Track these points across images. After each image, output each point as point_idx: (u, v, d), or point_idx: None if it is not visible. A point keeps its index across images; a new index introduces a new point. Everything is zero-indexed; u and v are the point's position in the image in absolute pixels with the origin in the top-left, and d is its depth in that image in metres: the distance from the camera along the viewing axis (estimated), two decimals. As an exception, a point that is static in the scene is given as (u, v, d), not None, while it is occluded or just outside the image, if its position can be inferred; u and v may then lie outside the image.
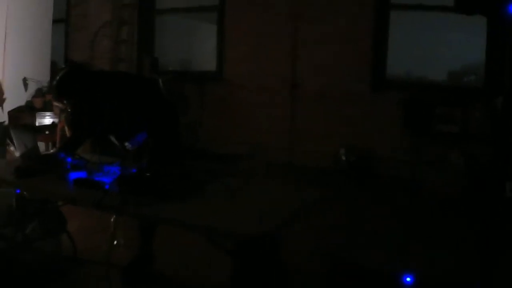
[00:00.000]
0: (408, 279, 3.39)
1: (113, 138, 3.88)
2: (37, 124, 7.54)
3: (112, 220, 4.16)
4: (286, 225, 2.96)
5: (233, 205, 3.05)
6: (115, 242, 4.27)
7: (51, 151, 4.92)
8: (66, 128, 4.35)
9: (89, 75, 3.78)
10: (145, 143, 3.45)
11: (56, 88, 3.75)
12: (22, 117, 7.62)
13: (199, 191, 3.20)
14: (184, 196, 3.06)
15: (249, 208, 3.00)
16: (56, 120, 7.54)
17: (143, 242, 4.08)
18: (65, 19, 9.49)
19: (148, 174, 3.11)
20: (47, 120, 7.66)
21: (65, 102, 3.80)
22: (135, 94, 3.78)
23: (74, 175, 3.40)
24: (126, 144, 3.39)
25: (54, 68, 8.41)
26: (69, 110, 3.90)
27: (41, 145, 7.17)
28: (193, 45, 9.08)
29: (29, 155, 3.79)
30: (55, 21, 8.64)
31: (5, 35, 7.59)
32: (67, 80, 3.70)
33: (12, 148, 7.25)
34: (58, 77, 3.73)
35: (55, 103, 7.42)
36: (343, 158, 7.17)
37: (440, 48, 7.04)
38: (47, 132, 7.54)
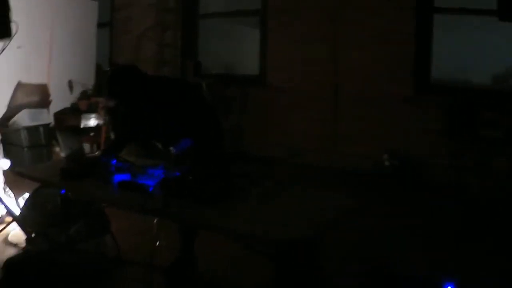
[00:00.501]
0: (449, 287, 3.35)
1: (156, 143, 3.92)
2: (82, 126, 7.67)
3: (154, 222, 4.20)
4: (327, 230, 2.96)
5: (273, 210, 3.05)
6: (157, 244, 4.31)
7: (96, 153, 4.99)
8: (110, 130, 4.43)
9: (137, 78, 3.81)
10: (189, 148, 3.47)
11: (109, 87, 3.79)
12: (68, 119, 7.78)
13: (241, 196, 3.21)
14: (225, 200, 3.08)
15: (290, 212, 3.00)
16: (101, 122, 7.66)
17: (184, 245, 4.11)
18: (109, 22, 9.63)
19: (191, 178, 3.13)
20: (92, 122, 7.78)
21: (115, 101, 3.85)
22: (179, 98, 3.81)
23: (118, 177, 3.44)
24: (171, 149, 3.42)
25: (99, 71, 8.57)
26: (114, 112, 3.96)
27: (86, 147, 7.30)
28: (236, 49, 9.12)
29: (74, 157, 3.86)
30: (100, 25, 8.79)
31: (51, 39, 7.76)
32: (119, 80, 3.74)
33: (58, 149, 7.43)
34: (110, 76, 3.79)
35: (102, 104, 7.59)
36: (387, 163, 7.10)
37: (485, 51, 6.93)
38: (92, 134, 7.67)
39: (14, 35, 4.83)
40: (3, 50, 4.96)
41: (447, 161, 6.62)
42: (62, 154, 7.22)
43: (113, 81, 3.72)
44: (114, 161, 3.69)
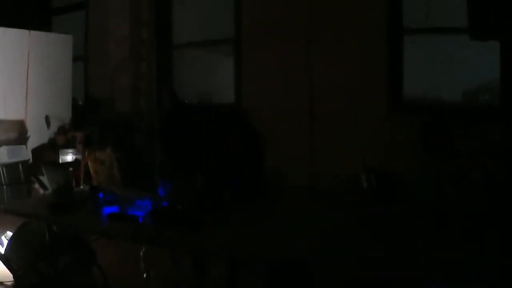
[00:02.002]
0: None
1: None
2: (60, 161, 7.66)
3: (141, 253, 4.23)
4: (316, 249, 3.02)
5: (263, 231, 3.12)
6: (145, 275, 4.34)
7: (81, 187, 5.03)
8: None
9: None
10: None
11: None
12: (46, 154, 7.75)
13: (230, 220, 3.26)
14: (214, 225, 3.13)
15: (279, 233, 3.07)
16: (79, 157, 7.65)
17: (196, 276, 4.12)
18: (83, 56, 9.65)
19: (179, 207, 3.19)
20: (70, 157, 7.77)
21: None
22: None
23: (107, 210, 3.48)
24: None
25: (75, 105, 8.59)
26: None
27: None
28: (211, 77, 9.18)
29: (61, 192, 3.88)
30: (75, 59, 8.82)
31: (27, 75, 7.77)
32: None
33: (37, 186, 7.40)
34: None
35: (79, 139, 7.59)
36: (365, 184, 7.17)
37: (455, 67, 7.06)
38: (70, 169, 7.65)
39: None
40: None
41: (424, 177, 6.71)
42: (42, 191, 7.20)
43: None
44: (101, 194, 3.73)
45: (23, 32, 7.76)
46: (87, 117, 8.49)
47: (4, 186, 7.04)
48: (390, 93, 7.29)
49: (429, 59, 7.22)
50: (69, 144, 7.86)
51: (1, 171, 7.05)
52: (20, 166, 7.25)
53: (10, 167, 7.15)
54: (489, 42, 6.10)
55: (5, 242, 4.96)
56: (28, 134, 7.75)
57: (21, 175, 7.26)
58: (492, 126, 6.51)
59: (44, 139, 7.98)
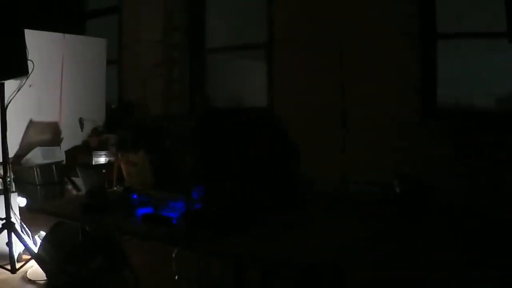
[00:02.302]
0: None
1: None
2: (93, 163, 7.73)
3: (173, 255, 4.23)
4: (349, 255, 3.00)
5: (295, 237, 3.10)
6: (176, 277, 4.34)
7: (115, 188, 5.05)
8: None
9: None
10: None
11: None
12: (79, 156, 7.84)
13: (261, 224, 3.24)
14: (246, 229, 3.12)
15: (310, 239, 3.05)
16: (112, 159, 7.72)
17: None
18: (117, 59, 9.72)
19: (214, 209, 3.17)
20: (103, 159, 7.83)
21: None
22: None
23: (140, 211, 3.48)
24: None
25: (108, 107, 8.66)
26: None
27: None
28: (244, 82, 9.19)
29: (95, 193, 3.90)
30: (108, 62, 8.90)
31: (61, 78, 7.86)
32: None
33: (70, 187, 7.48)
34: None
35: (112, 141, 7.65)
36: (397, 189, 7.10)
37: (489, 73, 6.96)
38: (103, 171, 7.71)
39: (30, 73, 4.93)
40: (19, 89, 5.05)
41: (457, 184, 6.63)
42: (74, 192, 7.29)
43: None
44: (135, 195, 3.73)
45: (58, 35, 7.88)
46: (120, 120, 8.56)
47: (38, 187, 7.13)
48: (423, 99, 7.23)
49: (463, 64, 7.14)
50: (102, 146, 7.93)
51: (36, 172, 7.15)
52: (54, 167, 7.35)
53: (44, 168, 7.25)
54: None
55: (39, 241, 5.04)
56: (62, 135, 7.84)
57: (55, 176, 7.35)
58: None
59: (78, 141, 8.06)
